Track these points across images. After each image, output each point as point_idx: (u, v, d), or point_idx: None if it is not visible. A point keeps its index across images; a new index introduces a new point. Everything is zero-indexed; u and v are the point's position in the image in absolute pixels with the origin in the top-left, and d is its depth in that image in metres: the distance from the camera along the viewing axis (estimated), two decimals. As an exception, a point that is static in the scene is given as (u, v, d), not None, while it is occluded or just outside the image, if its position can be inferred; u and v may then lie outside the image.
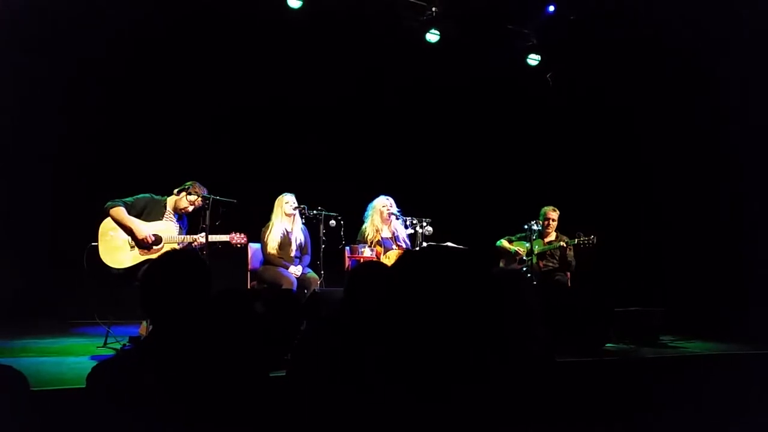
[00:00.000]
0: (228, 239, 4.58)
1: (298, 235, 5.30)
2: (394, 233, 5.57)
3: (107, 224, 4.28)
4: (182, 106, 6.22)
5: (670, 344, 5.03)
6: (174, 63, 6.21)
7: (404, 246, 5.51)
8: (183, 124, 6.23)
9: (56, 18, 5.60)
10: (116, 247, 4.26)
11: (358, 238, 5.53)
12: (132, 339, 4.20)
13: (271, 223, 5.22)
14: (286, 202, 5.25)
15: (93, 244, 4.24)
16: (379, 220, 5.50)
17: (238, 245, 4.66)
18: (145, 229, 4.30)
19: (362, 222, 5.61)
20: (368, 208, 5.61)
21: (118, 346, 4.12)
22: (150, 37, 5.97)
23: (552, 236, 6.05)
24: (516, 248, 6.11)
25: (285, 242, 5.20)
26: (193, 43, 6.22)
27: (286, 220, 5.25)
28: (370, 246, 5.38)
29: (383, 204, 5.53)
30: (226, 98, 6.50)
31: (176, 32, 6.08)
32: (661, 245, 6.84)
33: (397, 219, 5.53)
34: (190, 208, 4.57)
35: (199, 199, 4.52)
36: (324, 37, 6.63)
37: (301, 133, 6.84)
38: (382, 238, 5.47)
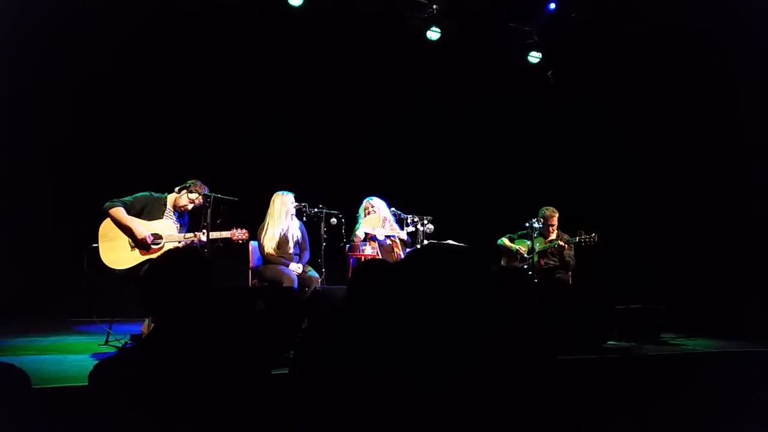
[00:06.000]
0: (229, 235, 4.58)
1: (295, 232, 5.24)
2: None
3: (107, 225, 4.25)
4: (184, 105, 6.23)
5: (671, 342, 5.03)
6: (176, 62, 6.22)
7: (397, 242, 5.54)
8: (184, 123, 6.23)
9: (58, 17, 5.60)
10: (117, 248, 4.22)
11: (352, 237, 5.54)
12: (133, 337, 4.21)
13: (266, 224, 5.16)
14: (292, 202, 5.21)
15: (93, 245, 4.21)
16: (372, 219, 5.54)
17: (240, 241, 4.66)
18: (143, 229, 4.27)
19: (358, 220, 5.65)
20: (361, 207, 5.66)
21: (120, 344, 4.12)
22: (151, 37, 5.97)
23: (553, 235, 6.05)
24: (517, 246, 6.11)
25: (282, 241, 5.15)
26: (193, 42, 6.22)
27: (282, 219, 5.19)
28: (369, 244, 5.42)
29: (377, 206, 5.58)
30: (228, 96, 6.50)
31: (178, 31, 6.08)
32: (662, 243, 6.83)
33: (393, 218, 5.61)
34: (190, 206, 4.55)
35: (200, 197, 4.51)
36: (325, 35, 6.63)
37: (302, 130, 6.84)
38: (375, 237, 5.52)
